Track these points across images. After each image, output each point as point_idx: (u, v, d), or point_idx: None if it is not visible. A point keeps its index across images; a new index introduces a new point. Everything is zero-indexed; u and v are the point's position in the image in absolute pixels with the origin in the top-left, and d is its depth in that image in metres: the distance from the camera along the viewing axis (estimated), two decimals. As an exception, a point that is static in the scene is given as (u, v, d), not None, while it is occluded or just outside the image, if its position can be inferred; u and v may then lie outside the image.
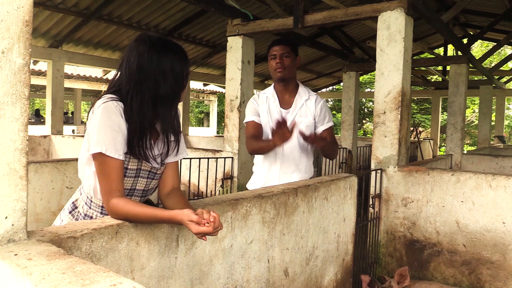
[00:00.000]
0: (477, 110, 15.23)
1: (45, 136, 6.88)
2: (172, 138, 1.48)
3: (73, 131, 12.32)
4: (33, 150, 6.58)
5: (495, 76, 9.41)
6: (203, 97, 17.02)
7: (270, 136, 2.39)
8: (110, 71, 9.95)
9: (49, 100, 7.04)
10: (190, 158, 4.40)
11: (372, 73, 14.29)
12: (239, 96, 4.56)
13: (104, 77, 11.80)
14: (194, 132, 13.67)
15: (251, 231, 1.80)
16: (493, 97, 10.21)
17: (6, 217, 0.99)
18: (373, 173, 3.42)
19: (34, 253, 0.95)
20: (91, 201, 1.44)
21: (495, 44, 8.46)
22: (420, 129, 17.62)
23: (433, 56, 8.04)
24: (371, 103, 19.64)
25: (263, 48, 8.68)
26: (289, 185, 2.21)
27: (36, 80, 11.38)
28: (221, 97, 18.00)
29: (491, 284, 2.97)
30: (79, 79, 12.08)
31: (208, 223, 1.18)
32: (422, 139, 12.05)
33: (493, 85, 9.25)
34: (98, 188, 1.39)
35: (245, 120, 2.57)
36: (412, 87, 11.59)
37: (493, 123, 10.60)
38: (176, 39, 7.68)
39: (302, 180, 2.48)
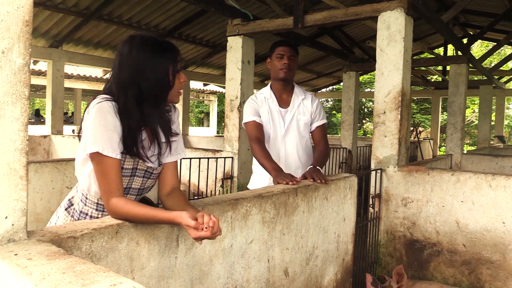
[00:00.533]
0: (477, 110, 15.24)
1: (45, 136, 6.88)
2: (163, 140, 1.47)
3: (73, 131, 12.31)
4: (33, 150, 6.58)
5: (495, 76, 9.41)
6: (203, 97, 17.03)
7: (270, 133, 2.56)
8: (110, 71, 9.94)
9: (49, 100, 7.04)
10: (190, 158, 4.40)
11: (372, 73, 14.29)
12: (239, 96, 4.56)
13: (104, 77, 11.80)
14: (194, 132, 13.66)
15: (251, 231, 1.80)
16: (493, 97, 10.21)
17: (6, 217, 0.99)
18: (373, 173, 3.42)
19: (34, 253, 0.95)
20: (86, 198, 1.45)
21: (495, 44, 8.46)
22: (420, 129, 17.61)
23: (433, 56, 8.04)
24: (371, 103, 19.63)
25: (263, 48, 8.69)
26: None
27: (36, 80, 11.37)
28: (221, 97, 17.99)
29: (491, 284, 2.97)
30: (79, 79, 12.08)
31: (206, 227, 1.17)
32: (422, 139, 12.05)
33: (493, 85, 9.25)
34: (93, 186, 1.41)
35: (245, 120, 2.61)
36: (412, 87, 11.59)
37: (493, 123, 10.59)
38: (176, 39, 7.69)
39: (302, 180, 2.49)
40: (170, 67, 1.39)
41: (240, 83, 4.55)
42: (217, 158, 4.68)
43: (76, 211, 1.49)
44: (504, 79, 10.54)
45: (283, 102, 2.63)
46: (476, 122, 14.69)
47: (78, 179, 1.47)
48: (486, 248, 2.99)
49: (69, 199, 1.53)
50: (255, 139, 2.48)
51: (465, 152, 6.46)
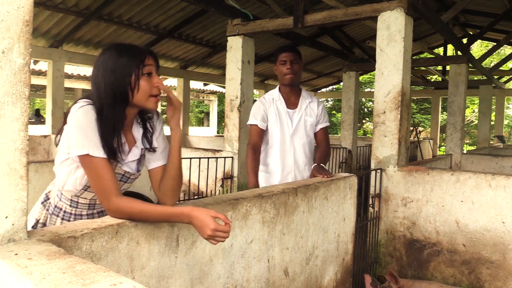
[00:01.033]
0: (476, 110, 15.24)
1: (45, 136, 6.88)
2: (143, 146, 1.50)
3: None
4: (33, 150, 6.58)
5: (494, 76, 9.41)
6: (203, 97, 17.02)
7: (278, 132, 2.72)
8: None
9: (49, 100, 7.05)
10: (190, 158, 4.40)
11: (372, 73, 14.29)
12: (239, 96, 4.56)
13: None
14: (194, 132, 13.65)
15: (251, 230, 1.80)
16: (493, 97, 10.21)
17: (6, 217, 0.99)
18: (373, 172, 3.42)
19: (34, 252, 0.96)
20: (62, 194, 1.49)
21: (495, 44, 8.47)
22: (420, 128, 17.61)
23: (433, 56, 8.03)
24: (371, 103, 19.63)
25: (263, 48, 8.70)
26: (289, 184, 2.22)
27: (37, 80, 11.36)
28: (221, 97, 17.99)
29: (491, 284, 2.98)
30: (79, 79, 12.07)
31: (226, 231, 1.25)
32: (422, 138, 12.05)
33: (493, 85, 9.25)
34: (68, 184, 1.44)
35: (250, 122, 2.77)
36: (412, 87, 11.60)
37: (492, 123, 10.60)
38: (176, 39, 7.70)
39: (302, 180, 2.53)
40: (133, 69, 1.37)
41: (240, 83, 4.55)
42: (217, 158, 4.68)
43: (51, 205, 1.53)
44: (504, 79, 10.54)
45: (291, 103, 2.79)
46: (476, 122, 14.70)
47: (56, 174, 1.50)
48: (486, 248, 2.99)
49: (46, 194, 1.58)
50: (252, 146, 2.70)
51: (465, 152, 6.46)
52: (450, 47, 10.78)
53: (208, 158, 4.64)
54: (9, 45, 0.96)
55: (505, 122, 15.24)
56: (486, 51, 8.49)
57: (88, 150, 1.30)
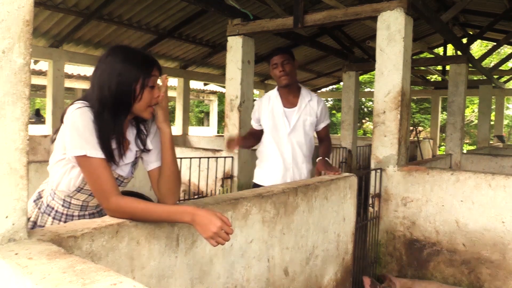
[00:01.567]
0: (476, 110, 15.23)
1: (45, 136, 6.88)
2: (136, 148, 1.49)
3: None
4: (33, 150, 6.58)
5: (494, 76, 9.41)
6: (203, 97, 17.01)
7: (273, 131, 2.79)
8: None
9: (49, 100, 7.05)
10: (190, 158, 4.40)
11: (372, 72, 14.27)
12: (239, 95, 4.56)
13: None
14: (194, 132, 13.65)
15: (251, 230, 1.80)
16: (493, 97, 10.21)
17: (6, 217, 0.99)
18: (372, 172, 3.42)
19: (34, 252, 0.96)
20: (55, 194, 1.49)
21: (495, 43, 8.46)
22: (420, 128, 17.61)
23: (433, 56, 8.03)
24: (370, 103, 19.63)
25: (263, 48, 8.69)
26: (289, 184, 2.22)
27: (37, 80, 11.35)
28: (221, 97, 17.97)
29: (491, 283, 2.98)
30: (80, 79, 12.05)
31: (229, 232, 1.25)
32: (421, 138, 12.05)
33: (493, 84, 9.25)
34: (61, 184, 1.44)
35: (251, 122, 2.98)
36: (412, 86, 11.59)
37: (492, 123, 10.59)
38: (176, 39, 7.70)
39: (302, 180, 2.53)
40: (140, 79, 1.37)
41: (240, 82, 4.55)
42: (217, 157, 4.68)
43: (43, 203, 1.52)
44: (504, 79, 10.54)
45: (289, 102, 2.81)
46: (476, 121, 14.70)
47: (50, 174, 1.50)
48: (485, 248, 2.99)
49: (39, 192, 1.58)
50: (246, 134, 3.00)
51: (464, 151, 6.46)
52: (450, 47, 10.77)
53: (208, 158, 4.64)
54: (10, 45, 0.97)
55: (505, 122, 15.23)
56: (486, 51, 8.48)
57: (85, 151, 1.30)
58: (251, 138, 2.88)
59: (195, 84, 14.05)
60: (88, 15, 6.26)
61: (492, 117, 10.71)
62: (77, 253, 1.13)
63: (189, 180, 4.65)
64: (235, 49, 4.58)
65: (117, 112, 1.38)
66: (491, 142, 10.14)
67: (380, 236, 3.45)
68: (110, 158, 1.37)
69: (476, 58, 7.35)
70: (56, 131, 1.45)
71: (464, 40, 8.17)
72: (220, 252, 1.64)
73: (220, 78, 10.18)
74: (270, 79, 11.68)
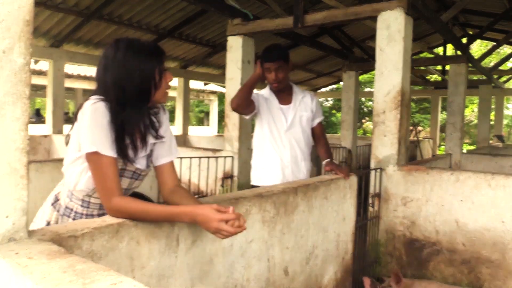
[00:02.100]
0: (476, 110, 15.24)
1: (45, 136, 6.88)
2: (152, 141, 1.49)
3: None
4: (33, 150, 6.58)
5: (494, 76, 9.41)
6: (204, 97, 17.01)
7: (272, 129, 2.72)
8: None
9: (49, 100, 7.05)
10: (191, 158, 4.40)
11: (372, 72, 14.26)
12: (239, 95, 4.55)
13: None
14: (195, 132, 13.64)
15: (251, 230, 1.81)
16: (492, 97, 10.21)
17: (7, 216, 0.99)
18: (372, 172, 3.42)
19: (35, 252, 0.96)
20: (72, 194, 1.48)
21: (494, 43, 8.47)
22: (420, 128, 17.60)
23: (433, 56, 8.05)
24: (370, 103, 19.62)
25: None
26: (289, 184, 2.22)
27: (37, 80, 11.35)
28: (221, 97, 17.95)
29: (490, 283, 2.98)
30: (80, 79, 12.05)
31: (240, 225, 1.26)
32: (421, 138, 12.05)
33: (492, 84, 9.26)
34: (80, 184, 1.43)
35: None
36: (412, 86, 11.58)
37: (492, 123, 10.60)
38: (176, 39, 7.70)
39: (302, 180, 2.54)
40: (157, 67, 1.40)
41: (240, 82, 4.54)
42: (217, 157, 4.68)
43: (61, 206, 1.51)
44: (503, 79, 10.55)
45: (284, 99, 2.78)
46: (476, 121, 14.71)
47: (65, 175, 1.49)
48: (485, 247, 2.99)
49: (55, 195, 1.56)
50: None
51: (464, 151, 6.47)
52: (449, 47, 10.77)
53: (208, 157, 4.64)
54: (10, 45, 0.97)
55: (505, 121, 15.25)
56: (486, 50, 8.49)
57: (97, 147, 1.30)
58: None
59: (195, 84, 14.04)
60: (88, 15, 6.26)
61: (492, 117, 10.72)
62: (77, 252, 1.14)
63: (189, 180, 4.65)
64: (235, 49, 4.58)
65: (140, 105, 1.40)
66: (490, 141, 10.14)
67: (380, 235, 3.45)
68: (124, 156, 1.37)
69: (476, 58, 7.36)
70: (70, 130, 1.44)
71: (464, 40, 8.16)
72: (220, 251, 1.64)
73: (220, 78, 10.18)
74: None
